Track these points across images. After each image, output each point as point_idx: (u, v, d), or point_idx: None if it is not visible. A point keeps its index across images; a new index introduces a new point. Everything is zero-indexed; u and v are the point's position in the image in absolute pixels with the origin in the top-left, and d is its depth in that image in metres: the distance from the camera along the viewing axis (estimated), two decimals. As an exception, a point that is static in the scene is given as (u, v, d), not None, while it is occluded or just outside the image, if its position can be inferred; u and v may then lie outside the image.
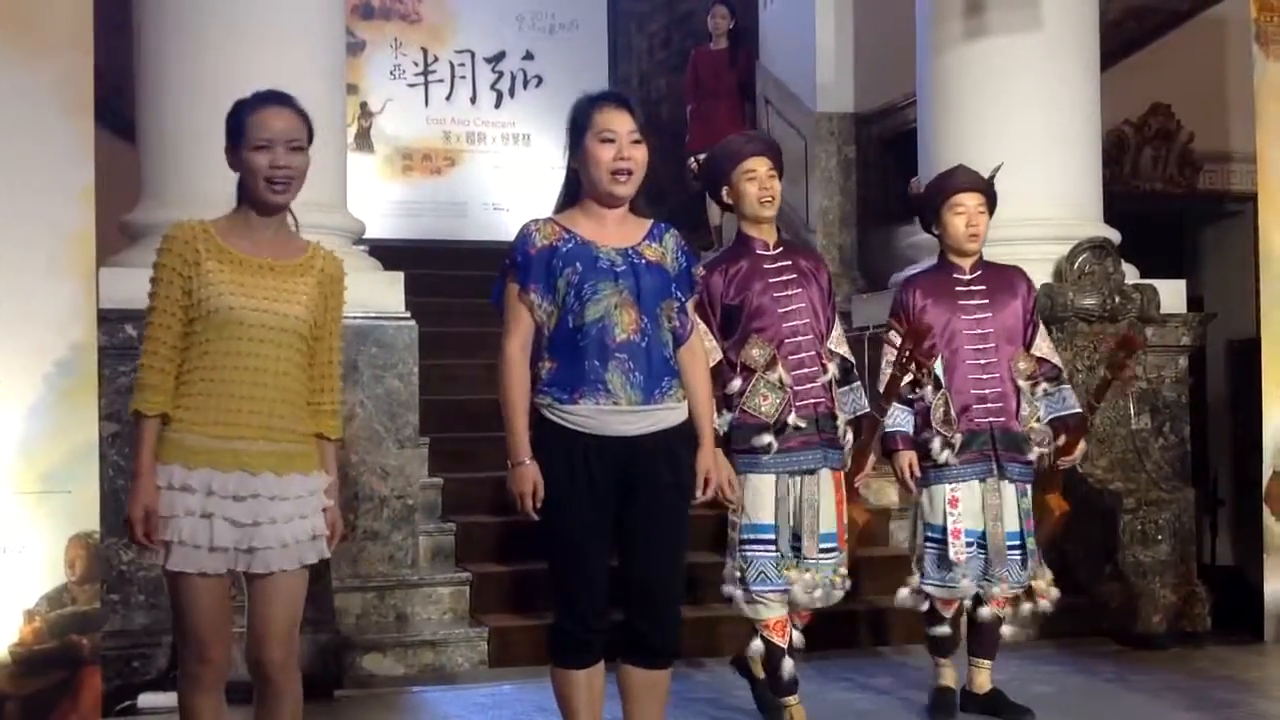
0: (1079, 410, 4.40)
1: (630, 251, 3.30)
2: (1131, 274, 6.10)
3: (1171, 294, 6.16)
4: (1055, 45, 6.12)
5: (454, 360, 6.66)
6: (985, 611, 4.35)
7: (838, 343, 4.24)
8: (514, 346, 3.30)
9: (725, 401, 4.04)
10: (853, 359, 4.29)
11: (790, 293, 4.14)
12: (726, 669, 4.80)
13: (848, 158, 8.08)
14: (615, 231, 3.32)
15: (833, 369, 4.17)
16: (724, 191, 4.22)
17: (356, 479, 5.22)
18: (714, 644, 5.31)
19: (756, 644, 4.12)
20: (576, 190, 3.35)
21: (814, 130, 8.20)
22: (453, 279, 7.63)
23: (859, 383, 4.28)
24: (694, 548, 5.70)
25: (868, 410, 4.27)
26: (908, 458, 4.31)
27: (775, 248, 4.20)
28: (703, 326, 3.96)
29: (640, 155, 3.28)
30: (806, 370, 4.11)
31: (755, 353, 4.07)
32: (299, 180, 3.06)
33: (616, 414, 3.22)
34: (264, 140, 3.01)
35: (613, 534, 3.28)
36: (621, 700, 3.36)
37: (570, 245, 3.26)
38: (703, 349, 3.53)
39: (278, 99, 3.08)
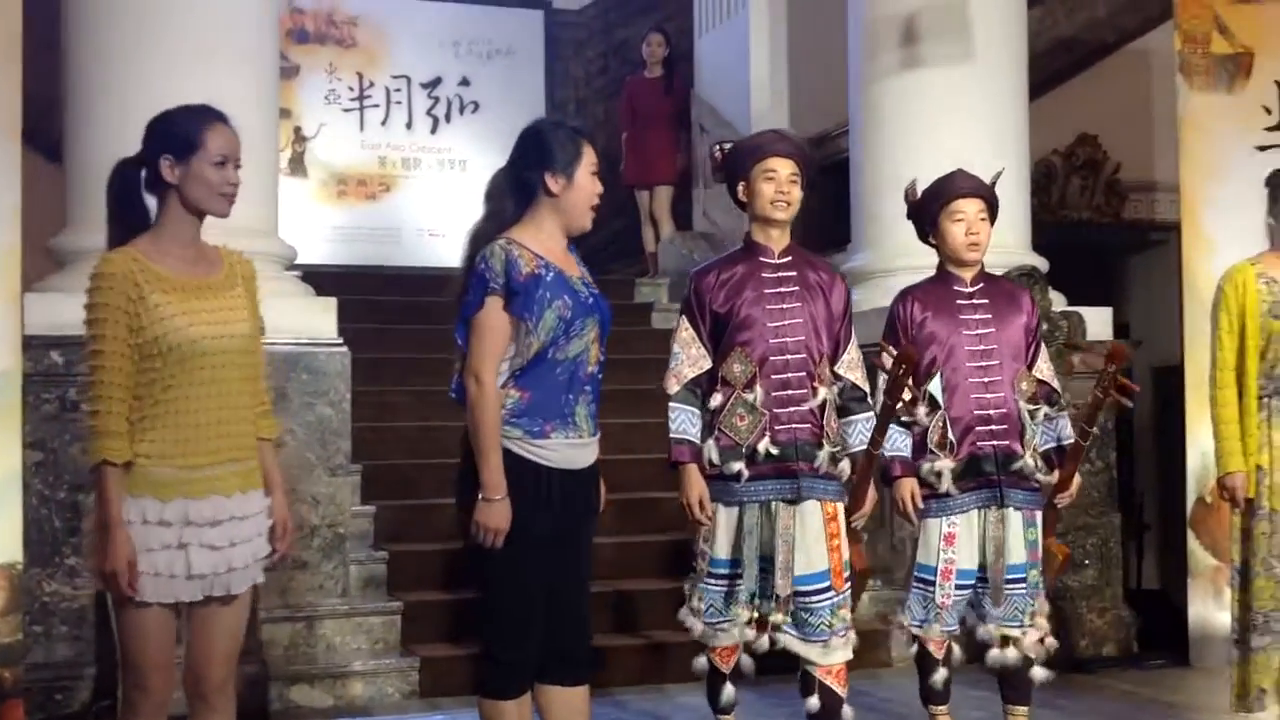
0: (1073, 440, 4.11)
1: (587, 281, 3.34)
2: (1059, 301, 6.19)
3: (1098, 321, 6.25)
4: (985, 76, 6.21)
5: (388, 387, 6.62)
6: (1011, 654, 4.05)
7: (848, 367, 3.93)
8: (492, 375, 3.21)
9: (708, 420, 3.85)
10: (866, 386, 3.96)
11: (786, 306, 3.85)
12: (668, 695, 4.79)
13: (782, 185, 8.12)
14: (564, 257, 3.33)
15: (825, 393, 3.85)
16: (739, 188, 3.93)
17: (286, 507, 5.17)
18: (657, 671, 5.33)
19: (700, 661, 4.00)
20: (525, 206, 3.31)
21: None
22: (387, 305, 7.60)
23: (869, 414, 3.93)
24: (640, 574, 5.77)
25: (866, 446, 3.92)
26: (909, 486, 4.01)
27: (781, 256, 3.92)
28: (687, 334, 3.89)
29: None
30: (792, 392, 3.82)
31: (736, 368, 3.82)
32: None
33: (580, 447, 3.27)
34: (222, 156, 3.05)
35: None
36: None
37: (551, 275, 3.24)
38: None
39: (223, 115, 3.11)
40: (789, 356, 3.83)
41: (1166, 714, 4.95)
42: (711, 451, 3.83)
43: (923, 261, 5.48)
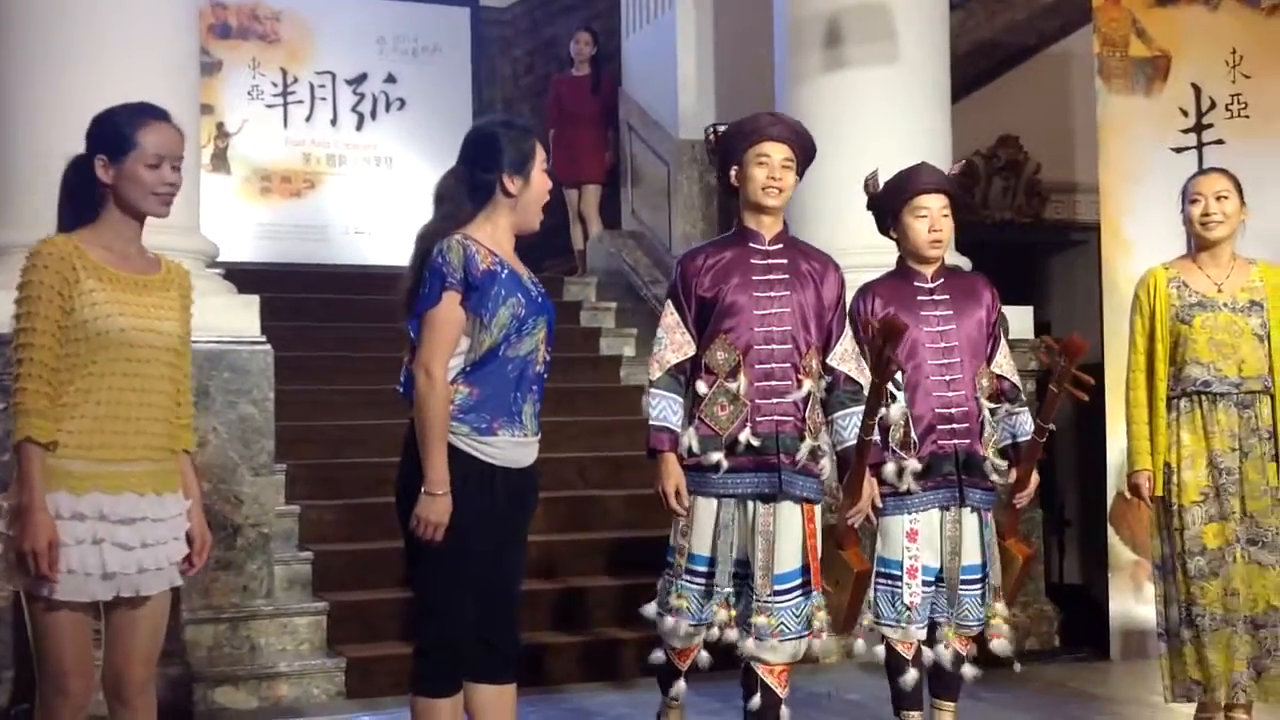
0: (1030, 436, 4.01)
1: (534, 280, 3.34)
2: (982, 300, 6.25)
3: (1020, 320, 6.33)
4: (909, 77, 6.27)
5: (313, 385, 6.55)
6: (945, 651, 4.00)
7: (841, 359, 3.83)
8: (443, 369, 3.18)
9: (690, 408, 3.74)
10: (862, 379, 3.81)
11: (774, 294, 3.75)
12: (604, 692, 4.78)
13: (709, 184, 8.15)
14: (513, 256, 3.33)
15: (810, 385, 3.75)
16: (732, 172, 3.84)
17: (209, 507, 5.07)
18: (590, 669, 5.34)
19: (658, 655, 3.91)
20: (481, 207, 3.29)
21: (676, 157, 8.28)
22: (313, 303, 7.54)
23: (862, 408, 3.78)
24: (573, 572, 5.76)
25: (855, 441, 3.78)
26: (871, 485, 3.86)
27: (773, 243, 3.83)
28: (671, 319, 3.78)
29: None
30: (775, 383, 3.71)
31: (720, 356, 3.72)
32: (175, 195, 3.07)
33: (524, 446, 3.27)
34: (157, 157, 2.99)
35: None
36: None
37: (505, 273, 3.24)
38: None
39: (163, 114, 3.06)
40: (774, 346, 3.73)
41: (1088, 705, 5.03)
42: (691, 440, 3.72)
43: (853, 260, 5.54)
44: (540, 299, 3.31)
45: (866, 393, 3.80)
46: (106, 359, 2.93)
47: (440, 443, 3.16)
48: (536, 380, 3.29)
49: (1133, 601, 5.78)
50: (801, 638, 3.76)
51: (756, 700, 3.77)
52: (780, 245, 3.86)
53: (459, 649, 3.24)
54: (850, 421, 3.80)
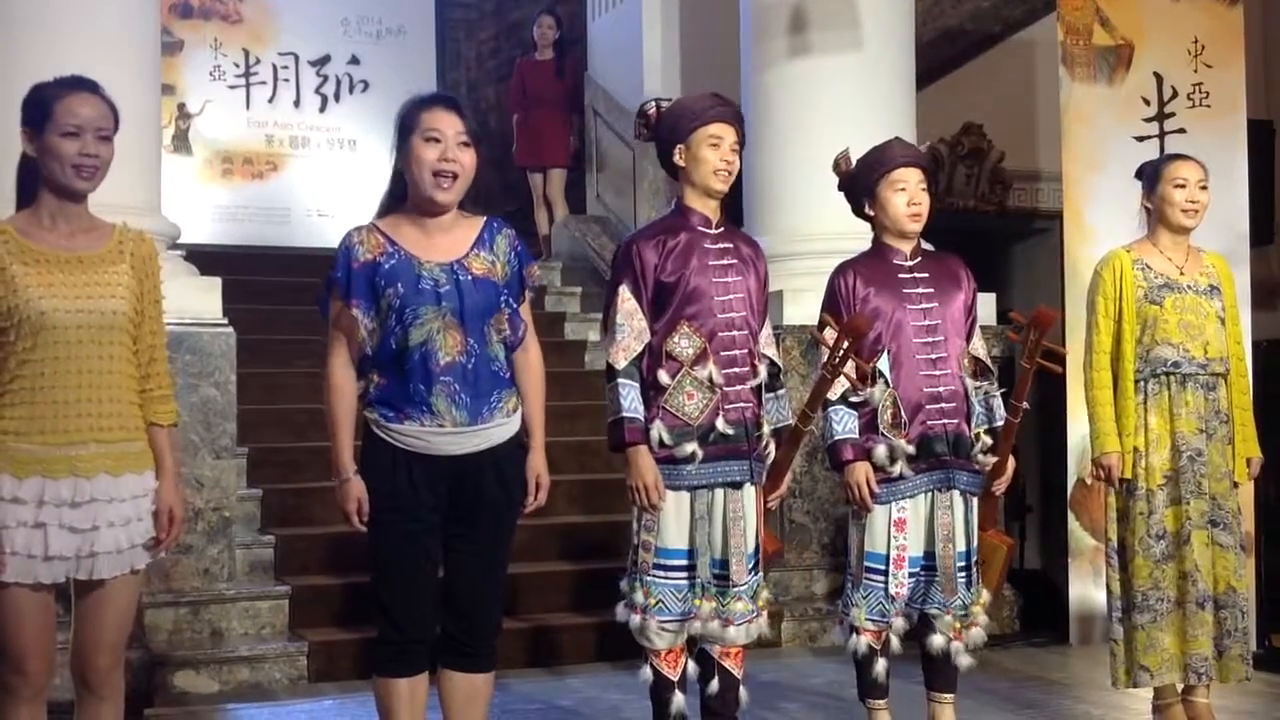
0: (1005, 420, 3.92)
1: (455, 267, 3.20)
2: (945, 287, 6.28)
3: (983, 307, 6.31)
4: (874, 64, 6.28)
5: (276, 368, 6.52)
6: (938, 641, 3.89)
7: (766, 343, 3.75)
8: (337, 363, 3.24)
9: (649, 398, 3.61)
10: (780, 363, 3.83)
11: (730, 279, 3.66)
12: (553, 678, 4.76)
13: (675, 169, 8.15)
14: (441, 241, 3.23)
15: (763, 371, 3.71)
16: (676, 152, 3.70)
17: (171, 490, 5.06)
18: (539, 655, 5.31)
19: (645, 672, 3.70)
20: (402, 193, 3.26)
21: (641, 142, 8.25)
22: (276, 285, 7.50)
23: (783, 389, 3.82)
24: (514, 558, 5.74)
25: (790, 422, 3.78)
26: (864, 470, 3.77)
27: (717, 226, 3.72)
28: (630, 305, 3.62)
29: (468, 159, 3.19)
30: (738, 370, 3.63)
31: (684, 343, 3.60)
32: (104, 169, 3.01)
33: (443, 435, 3.18)
34: (74, 127, 2.94)
35: (438, 544, 3.27)
36: (442, 708, 3.34)
37: (393, 261, 3.18)
38: (537, 351, 3.37)
39: (86, 85, 3.01)
40: (735, 333, 3.65)
41: (1047, 690, 5.07)
42: (661, 432, 3.59)
43: (823, 246, 5.56)
44: (448, 288, 3.16)
45: (784, 377, 3.83)
46: (39, 345, 2.91)
47: (337, 432, 3.21)
48: (451, 371, 3.15)
49: (1092, 587, 5.83)
50: (759, 616, 3.74)
51: (715, 684, 3.72)
52: (722, 229, 3.76)
53: (406, 632, 3.22)
54: (774, 406, 3.78)
